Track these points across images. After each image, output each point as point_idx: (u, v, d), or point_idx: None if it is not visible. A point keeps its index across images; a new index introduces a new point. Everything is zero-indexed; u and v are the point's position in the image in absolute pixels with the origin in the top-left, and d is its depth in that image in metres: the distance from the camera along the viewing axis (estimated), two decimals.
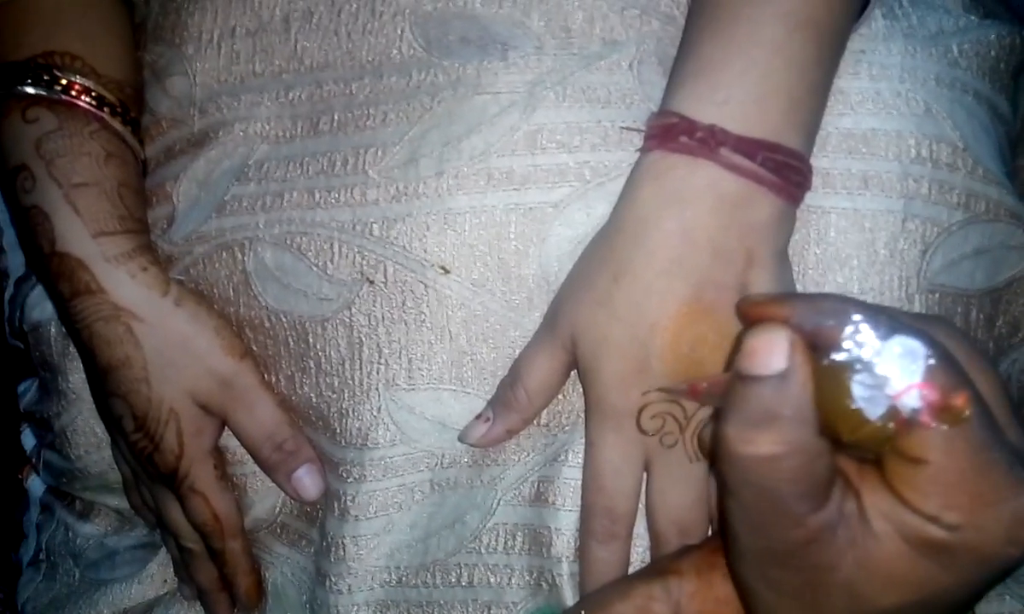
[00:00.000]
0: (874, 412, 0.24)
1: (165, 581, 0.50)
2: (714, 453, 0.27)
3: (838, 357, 0.25)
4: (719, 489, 0.29)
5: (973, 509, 0.25)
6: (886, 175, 0.37)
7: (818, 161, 0.37)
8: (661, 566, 0.34)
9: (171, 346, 0.42)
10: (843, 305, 0.25)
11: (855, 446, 0.25)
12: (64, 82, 0.42)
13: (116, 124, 0.43)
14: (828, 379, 0.25)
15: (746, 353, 0.25)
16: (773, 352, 0.25)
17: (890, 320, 0.25)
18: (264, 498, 0.46)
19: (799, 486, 0.25)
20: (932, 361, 0.24)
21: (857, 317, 0.25)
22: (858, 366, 0.24)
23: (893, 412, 0.24)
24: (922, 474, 0.25)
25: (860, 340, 0.24)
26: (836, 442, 0.25)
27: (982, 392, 0.25)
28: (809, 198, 0.37)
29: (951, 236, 0.38)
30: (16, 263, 0.56)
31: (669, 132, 0.35)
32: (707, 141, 0.34)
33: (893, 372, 0.24)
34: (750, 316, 0.28)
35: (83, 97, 0.42)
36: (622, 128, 0.39)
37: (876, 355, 0.24)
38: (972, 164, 0.38)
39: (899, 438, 0.25)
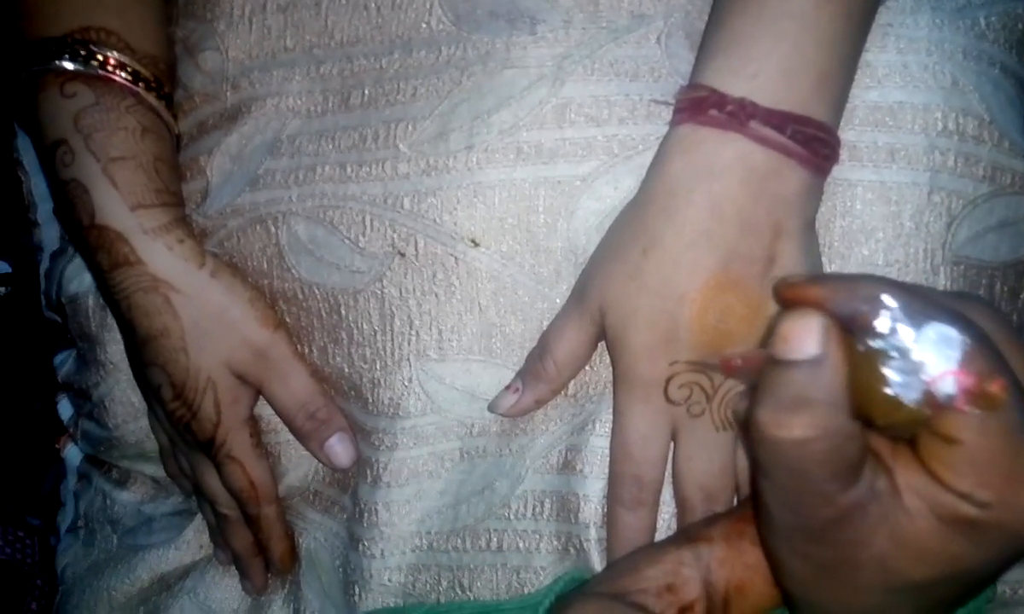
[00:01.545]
0: (909, 397, 0.25)
1: (201, 547, 0.51)
2: (746, 432, 0.28)
3: (873, 343, 0.25)
4: (751, 467, 0.29)
5: (1005, 488, 0.25)
6: (912, 148, 0.38)
7: (845, 134, 0.37)
8: (690, 533, 0.35)
9: (207, 317, 0.43)
10: (879, 288, 0.26)
11: (889, 429, 0.26)
12: (100, 58, 0.43)
13: (151, 99, 0.44)
14: (863, 364, 0.25)
15: (780, 337, 0.26)
16: (807, 337, 0.25)
17: (926, 305, 0.25)
18: (297, 466, 0.47)
19: (830, 467, 0.26)
20: (968, 347, 0.24)
21: (892, 303, 0.25)
22: (893, 352, 0.25)
23: (928, 397, 0.24)
24: (956, 453, 0.25)
25: (896, 325, 0.25)
26: (869, 424, 0.26)
27: (1017, 372, 0.26)
28: (835, 171, 0.37)
29: (976, 208, 0.38)
30: (51, 237, 0.57)
31: (699, 105, 0.35)
32: (737, 114, 0.35)
33: (929, 358, 0.24)
34: (786, 298, 0.28)
35: (119, 72, 0.43)
36: (651, 101, 0.39)
37: (912, 341, 0.24)
38: (998, 137, 0.38)
39: (934, 420, 0.25)
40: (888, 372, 0.25)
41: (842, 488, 0.26)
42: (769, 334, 0.26)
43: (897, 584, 0.27)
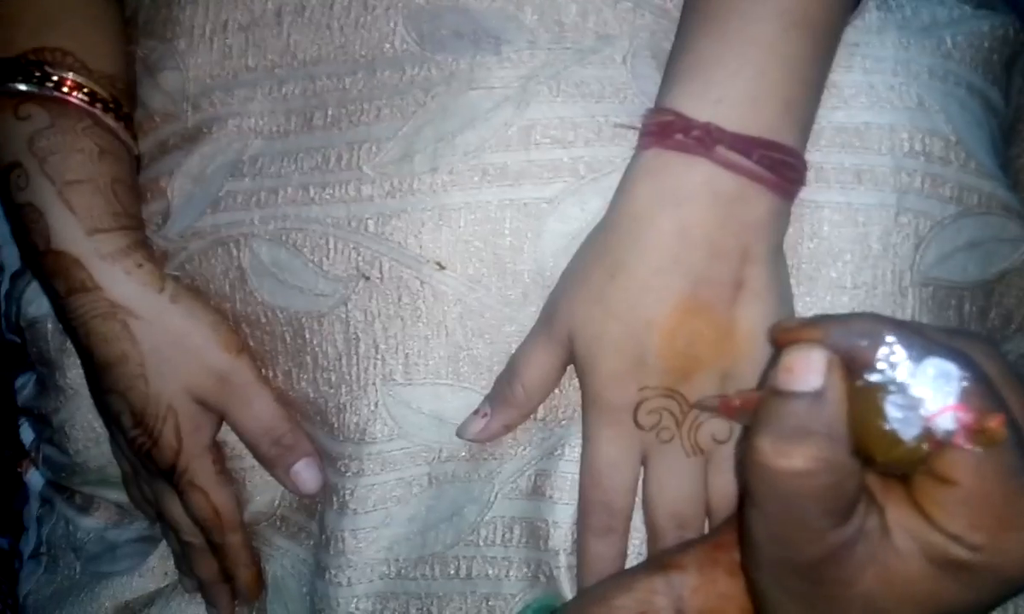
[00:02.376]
0: (908, 433, 0.25)
1: (166, 574, 0.50)
2: (740, 463, 0.28)
3: (872, 378, 0.25)
4: (741, 498, 0.29)
5: (998, 531, 0.25)
6: (879, 169, 0.38)
7: (811, 155, 0.37)
8: (662, 560, 0.35)
9: (168, 343, 0.42)
10: (877, 326, 0.26)
11: (887, 466, 0.26)
12: (56, 78, 0.42)
13: (109, 120, 0.43)
14: (862, 400, 0.25)
15: (783, 369, 0.26)
16: (810, 369, 0.25)
17: (925, 341, 0.25)
18: (263, 492, 0.46)
19: (826, 503, 0.26)
20: (967, 383, 0.24)
21: (891, 338, 0.25)
22: (892, 387, 0.25)
23: (927, 434, 0.24)
24: (950, 494, 0.25)
25: (894, 361, 0.25)
26: (867, 461, 0.26)
27: (1014, 412, 0.26)
28: (802, 192, 0.37)
29: (944, 229, 0.38)
30: (12, 257, 0.56)
31: (665, 130, 0.35)
32: (703, 139, 0.34)
33: (927, 394, 0.24)
34: (781, 343, 0.28)
35: (75, 93, 0.42)
36: (616, 125, 0.38)
37: (910, 377, 0.25)
38: (965, 157, 0.38)
39: (931, 459, 0.25)
40: (887, 408, 0.25)
41: (834, 525, 0.26)
42: (769, 370, 0.27)
43: None
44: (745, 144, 0.34)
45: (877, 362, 0.25)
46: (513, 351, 0.40)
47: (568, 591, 0.39)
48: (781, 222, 0.36)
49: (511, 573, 0.41)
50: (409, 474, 0.42)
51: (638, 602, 0.33)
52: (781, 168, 0.35)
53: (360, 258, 0.40)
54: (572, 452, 0.39)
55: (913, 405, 0.25)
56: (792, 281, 0.38)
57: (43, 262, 0.42)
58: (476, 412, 0.40)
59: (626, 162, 0.37)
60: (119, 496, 0.51)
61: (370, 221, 0.40)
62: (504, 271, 0.40)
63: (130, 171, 0.44)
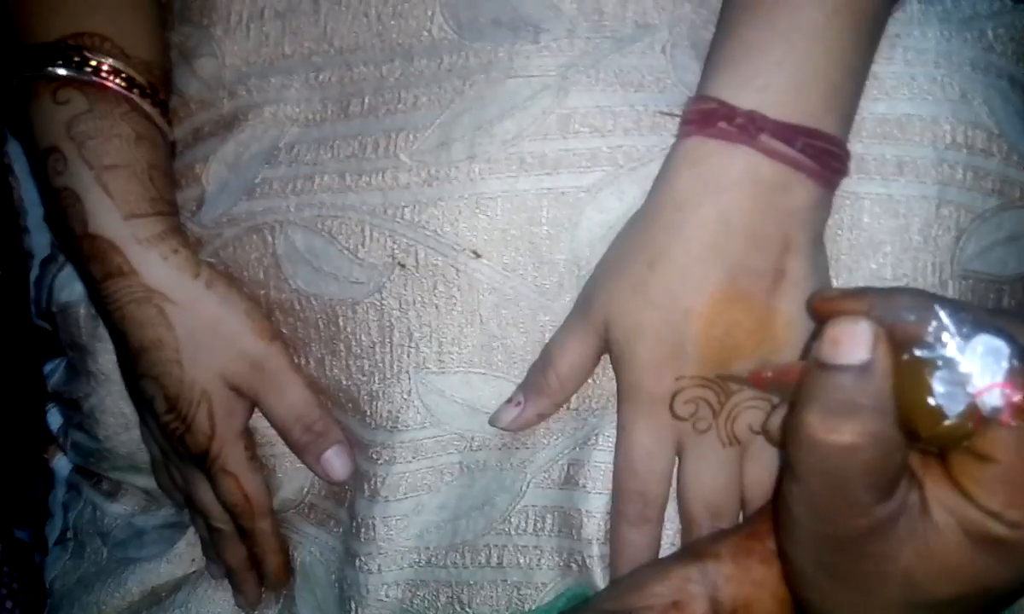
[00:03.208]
0: (953, 409, 0.24)
1: (193, 560, 0.50)
2: (784, 437, 0.28)
3: (920, 352, 0.25)
4: (782, 473, 0.29)
5: None
6: (920, 161, 0.37)
7: (852, 146, 0.37)
8: (697, 549, 0.35)
9: (202, 328, 0.42)
10: (923, 299, 0.26)
11: (930, 441, 0.26)
12: (94, 63, 0.42)
13: (146, 106, 0.43)
14: (908, 374, 0.25)
15: (829, 341, 0.25)
16: (857, 342, 0.25)
17: (973, 317, 0.25)
18: (293, 479, 0.46)
19: (872, 477, 0.25)
20: (1016, 361, 0.24)
21: (941, 313, 0.25)
22: (940, 363, 0.25)
23: (972, 410, 0.24)
24: (989, 471, 0.25)
25: (942, 337, 0.25)
26: (910, 436, 0.26)
27: None
28: (843, 183, 0.37)
29: (985, 222, 0.38)
30: (41, 244, 0.56)
31: (708, 118, 0.35)
32: (747, 127, 0.34)
33: (975, 370, 0.24)
34: (822, 312, 0.28)
35: (113, 78, 0.42)
36: (658, 113, 0.38)
37: (959, 352, 0.24)
38: (1007, 150, 0.38)
39: (978, 432, 0.25)
40: (934, 383, 0.25)
41: (879, 499, 0.26)
42: (807, 347, 0.26)
43: (920, 600, 0.27)
44: (789, 132, 0.34)
45: (926, 337, 0.25)
46: (547, 341, 0.40)
47: (601, 581, 0.39)
48: (822, 212, 0.36)
49: (542, 562, 0.41)
50: (441, 462, 0.42)
51: (673, 590, 0.33)
52: (824, 157, 0.35)
53: (396, 246, 0.40)
54: (606, 442, 0.39)
55: (960, 381, 0.24)
56: (831, 272, 0.37)
57: (80, 246, 0.42)
58: (510, 401, 0.40)
59: (664, 152, 0.37)
60: (147, 482, 0.52)
61: (406, 209, 0.40)
62: (540, 260, 0.40)
63: (166, 157, 0.44)
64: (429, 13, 0.41)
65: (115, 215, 0.41)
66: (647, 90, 0.39)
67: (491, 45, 0.40)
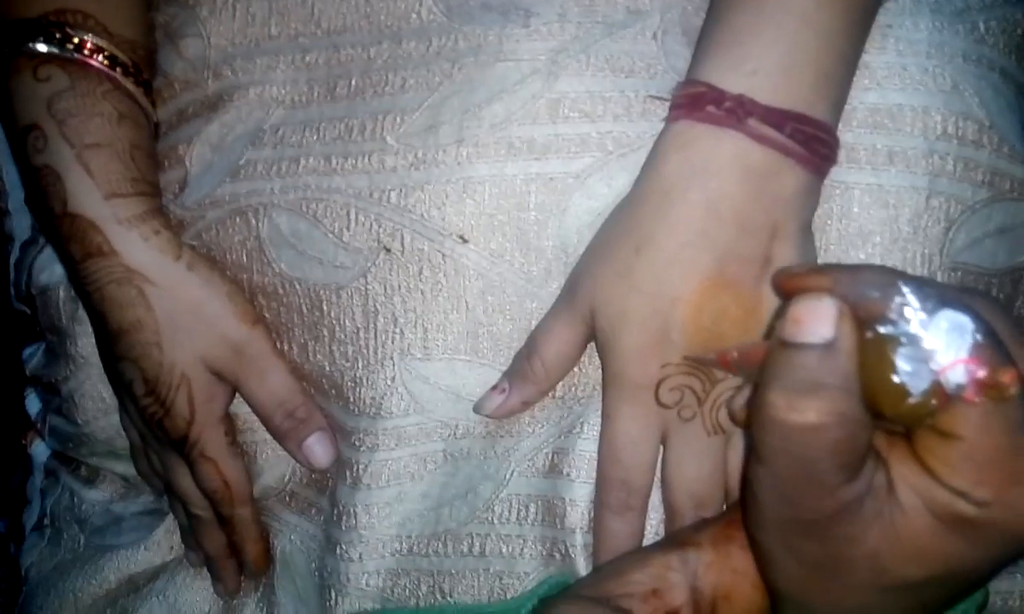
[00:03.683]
0: (917, 386, 0.24)
1: (171, 548, 0.50)
2: (749, 419, 0.27)
3: (883, 329, 0.24)
4: (747, 456, 0.28)
5: (1003, 487, 0.25)
6: (911, 151, 0.37)
7: (843, 135, 0.37)
8: (678, 538, 0.35)
9: (183, 311, 0.41)
10: (887, 276, 0.25)
11: (894, 419, 0.25)
12: (76, 41, 0.41)
13: (128, 84, 0.43)
14: (872, 351, 0.24)
15: (791, 320, 0.25)
16: (820, 320, 0.25)
17: (937, 293, 0.25)
18: (274, 466, 0.46)
19: (838, 457, 0.25)
20: (979, 336, 0.24)
21: (904, 289, 0.24)
22: (903, 339, 0.24)
23: (936, 387, 0.24)
24: (955, 449, 0.25)
25: (906, 313, 0.24)
26: (876, 414, 0.25)
27: (1020, 368, 0.25)
28: (833, 173, 0.36)
29: (975, 214, 0.38)
30: (21, 226, 0.56)
31: (696, 101, 0.35)
32: (735, 111, 0.34)
33: (939, 346, 0.24)
34: (787, 287, 0.27)
35: (96, 56, 0.42)
36: (648, 97, 0.38)
37: (923, 329, 0.24)
38: (998, 142, 0.38)
39: (938, 413, 0.24)
40: (897, 360, 0.24)
41: (845, 480, 0.26)
42: (772, 326, 0.26)
43: (889, 583, 0.27)
44: (778, 117, 0.34)
45: (889, 313, 0.24)
46: (533, 328, 0.40)
47: (584, 570, 0.39)
48: (811, 199, 0.36)
49: (525, 551, 0.40)
50: (424, 450, 0.41)
51: (652, 578, 0.32)
52: (813, 143, 0.34)
53: (381, 230, 0.40)
54: (591, 430, 0.39)
55: (924, 358, 0.24)
56: (820, 261, 0.37)
57: (59, 226, 0.41)
58: (494, 388, 0.40)
59: (654, 138, 0.37)
60: (126, 469, 0.51)
61: (393, 192, 0.40)
62: (527, 246, 0.39)
63: (148, 138, 0.44)
64: None
65: (96, 194, 0.40)
66: (638, 76, 0.39)
67: (481, 28, 0.40)
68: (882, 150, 0.37)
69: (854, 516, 0.26)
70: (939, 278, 0.38)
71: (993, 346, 0.24)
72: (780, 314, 0.26)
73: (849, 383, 0.25)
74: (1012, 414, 0.24)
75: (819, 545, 0.27)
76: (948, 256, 0.38)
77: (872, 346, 0.25)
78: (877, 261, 0.37)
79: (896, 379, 0.24)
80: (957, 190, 0.37)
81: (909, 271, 0.37)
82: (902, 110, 0.37)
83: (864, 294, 0.25)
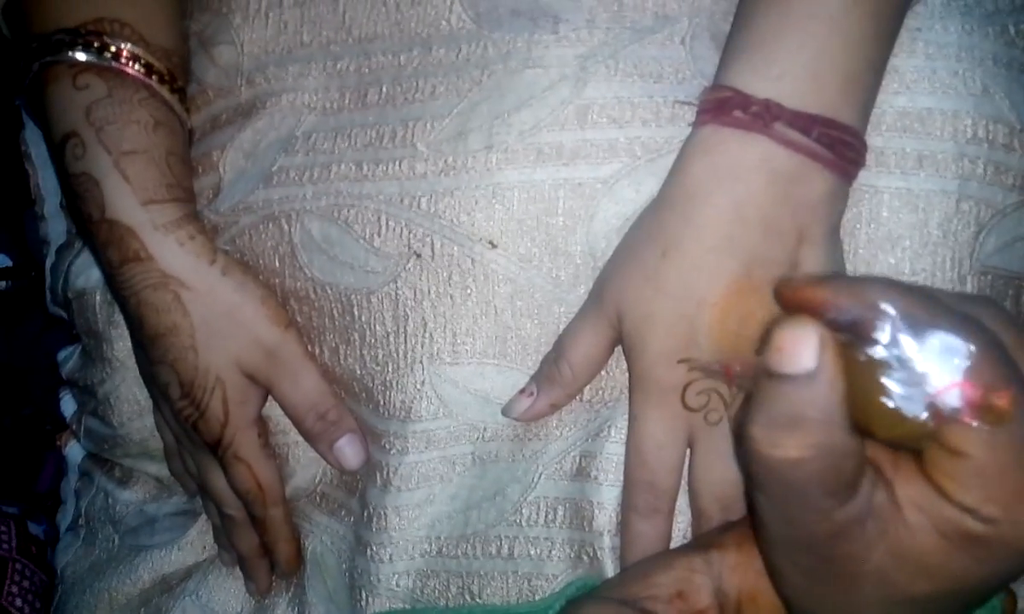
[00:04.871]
0: (911, 410, 0.24)
1: (204, 547, 0.50)
2: (739, 445, 0.27)
3: (874, 353, 0.24)
4: (745, 478, 0.28)
5: (1012, 504, 0.24)
6: (941, 155, 0.37)
7: (872, 139, 0.37)
8: (703, 540, 0.35)
9: (218, 315, 0.42)
10: (882, 293, 0.24)
11: (891, 443, 0.25)
12: (114, 49, 0.42)
13: (164, 92, 0.43)
14: (863, 375, 0.24)
15: (774, 348, 0.24)
16: (802, 349, 0.24)
17: (930, 311, 0.24)
18: (305, 468, 0.47)
19: (825, 485, 0.25)
20: (973, 357, 0.23)
21: (891, 311, 0.24)
22: (894, 363, 0.24)
23: (932, 410, 0.23)
24: (962, 466, 0.24)
25: (897, 335, 0.24)
26: (870, 436, 0.25)
27: None
28: (862, 177, 0.37)
29: (1005, 218, 0.38)
30: (57, 231, 0.57)
31: (723, 106, 0.35)
32: (762, 115, 0.34)
33: (932, 369, 0.23)
34: (786, 301, 0.27)
35: (132, 64, 0.43)
36: (675, 103, 0.38)
37: (914, 352, 0.23)
38: None
39: (939, 433, 0.24)
40: (889, 383, 0.24)
41: (838, 504, 0.25)
42: (764, 341, 0.25)
43: (897, 598, 0.27)
44: (805, 121, 0.34)
45: (880, 335, 0.24)
46: (560, 332, 0.40)
47: (611, 571, 0.39)
48: (839, 203, 0.36)
49: (553, 553, 0.40)
50: (453, 453, 0.42)
51: (677, 580, 0.33)
52: (840, 147, 0.34)
53: (412, 235, 0.41)
54: (618, 434, 0.39)
55: (917, 381, 0.23)
56: (849, 266, 0.37)
57: (96, 231, 0.42)
58: (522, 391, 0.40)
59: (682, 143, 0.37)
60: (159, 470, 0.52)
61: (423, 198, 0.40)
62: (556, 251, 0.40)
63: (183, 144, 0.44)
64: (448, 3, 0.41)
65: (133, 200, 0.41)
66: (666, 81, 0.39)
67: (510, 35, 0.40)
68: (911, 154, 0.37)
69: (855, 535, 0.26)
70: (969, 282, 0.38)
71: (990, 365, 0.24)
72: (766, 337, 0.25)
73: (831, 415, 0.24)
74: (1019, 430, 0.24)
75: (823, 563, 0.27)
76: (978, 260, 0.38)
77: (864, 369, 0.24)
78: (906, 265, 0.37)
79: (889, 403, 0.24)
80: (987, 194, 0.37)
81: (939, 275, 0.37)
82: (932, 114, 0.37)
83: (854, 315, 0.25)
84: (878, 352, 0.24)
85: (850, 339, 0.25)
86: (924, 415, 0.24)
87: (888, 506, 0.26)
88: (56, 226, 0.56)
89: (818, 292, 0.26)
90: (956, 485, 0.25)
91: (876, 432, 0.25)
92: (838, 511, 0.25)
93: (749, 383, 0.27)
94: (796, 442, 0.24)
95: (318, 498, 0.47)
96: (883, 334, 0.24)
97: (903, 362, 0.24)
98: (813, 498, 0.25)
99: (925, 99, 0.37)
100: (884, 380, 0.24)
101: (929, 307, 0.25)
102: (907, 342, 0.24)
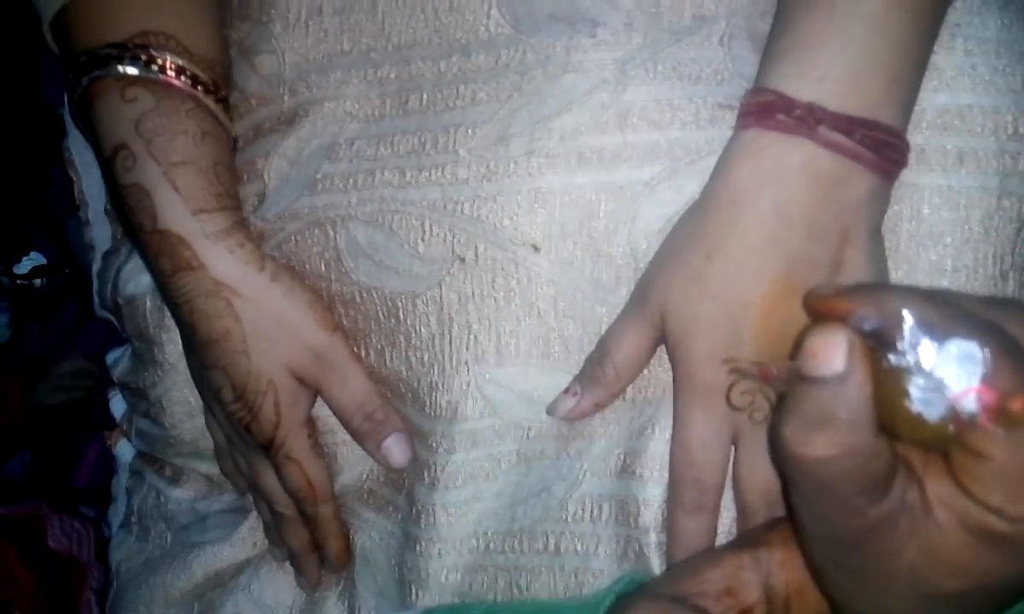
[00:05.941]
0: (932, 414, 0.25)
1: (255, 544, 0.52)
2: (774, 446, 0.28)
3: (896, 360, 0.25)
4: (781, 479, 0.29)
5: None
6: (982, 152, 0.37)
7: (912, 137, 0.37)
8: (750, 537, 0.35)
9: (268, 320, 0.43)
10: (904, 301, 0.26)
11: (916, 444, 0.26)
12: (160, 62, 0.43)
13: (209, 102, 0.44)
14: (887, 381, 0.25)
15: (807, 353, 0.26)
16: (833, 354, 0.25)
17: (949, 319, 0.25)
18: (352, 466, 0.48)
19: (856, 483, 0.26)
20: (990, 363, 0.24)
21: (910, 319, 0.25)
22: (915, 369, 0.25)
23: (952, 414, 0.25)
24: (986, 468, 0.25)
25: (917, 342, 0.25)
26: (897, 438, 0.26)
27: None
28: (903, 175, 0.37)
29: None
30: (102, 236, 0.58)
31: (766, 110, 0.35)
32: (805, 119, 0.34)
33: (950, 375, 0.24)
34: (815, 310, 0.28)
35: (178, 76, 0.43)
36: (715, 106, 0.39)
37: (933, 359, 0.25)
38: None
39: (960, 436, 0.25)
40: (911, 390, 0.25)
41: (871, 501, 0.26)
42: (798, 347, 0.26)
43: (929, 594, 0.27)
44: (847, 124, 0.34)
45: (902, 342, 0.25)
46: (603, 333, 0.40)
47: (658, 568, 0.40)
48: (881, 203, 0.36)
49: (599, 549, 0.41)
50: (498, 451, 0.43)
51: (726, 577, 0.33)
52: (883, 148, 0.35)
53: (455, 240, 0.41)
54: (662, 432, 0.40)
55: (937, 387, 0.25)
56: (891, 264, 0.38)
57: (149, 241, 0.43)
58: (567, 391, 0.41)
59: (723, 145, 0.37)
60: (209, 468, 0.53)
61: (466, 204, 0.41)
62: (598, 254, 0.40)
63: (229, 153, 0.45)
64: (486, 9, 0.42)
65: (183, 210, 0.42)
66: (705, 83, 0.39)
67: (548, 40, 0.41)
68: (952, 151, 0.37)
69: (888, 533, 0.27)
70: (1011, 278, 0.38)
71: (1008, 371, 0.24)
72: (799, 343, 0.26)
73: (859, 415, 0.25)
74: None
75: (859, 560, 0.28)
76: (1020, 256, 0.38)
77: (888, 376, 0.25)
78: (948, 262, 0.38)
79: (911, 408, 0.25)
80: None
81: (980, 272, 0.38)
82: (972, 110, 0.37)
83: (879, 322, 0.26)
84: (900, 359, 0.25)
85: (875, 346, 0.26)
86: (944, 419, 0.25)
87: (919, 505, 0.27)
88: (101, 231, 0.58)
89: (843, 302, 0.27)
90: (980, 486, 0.25)
91: (901, 435, 0.26)
92: (871, 509, 0.26)
93: (784, 385, 0.28)
94: (825, 441, 0.25)
95: (366, 495, 0.48)
96: (903, 342, 0.25)
97: (923, 368, 0.25)
98: (845, 496, 0.26)
99: (965, 96, 0.37)
100: (906, 386, 0.25)
101: (949, 314, 0.25)
102: (926, 349, 0.25)
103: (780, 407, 0.27)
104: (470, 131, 0.41)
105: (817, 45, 0.35)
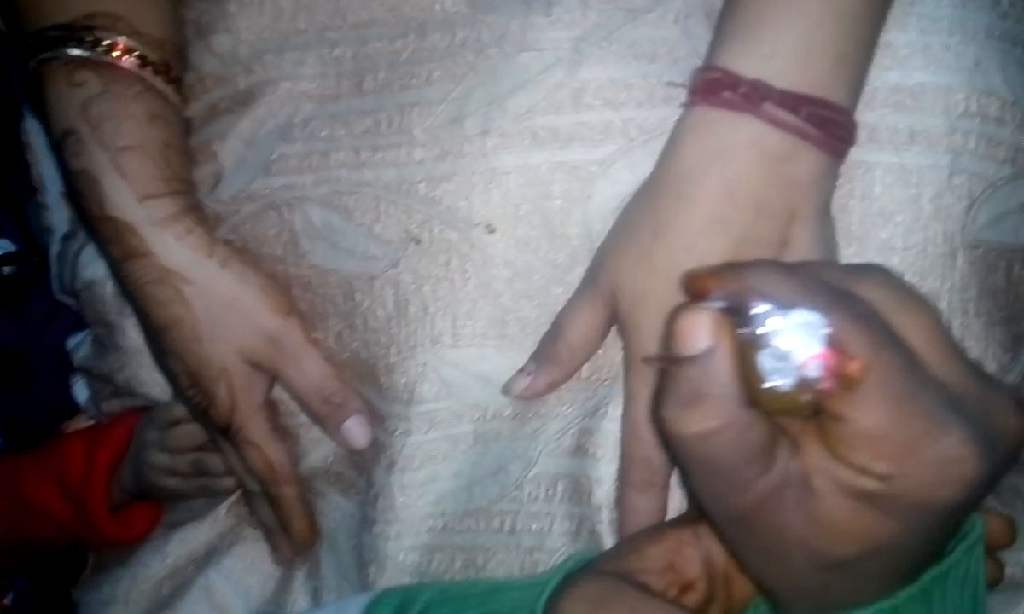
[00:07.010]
0: (785, 385, 0.25)
1: (231, 523, 0.51)
2: (659, 430, 0.28)
3: (748, 332, 0.26)
4: (675, 460, 0.30)
5: (900, 458, 0.25)
6: (933, 130, 0.37)
7: (864, 116, 0.37)
8: (692, 514, 0.36)
9: (219, 306, 0.43)
10: (758, 276, 0.26)
11: (779, 414, 0.26)
12: (108, 43, 0.42)
13: (159, 83, 0.44)
14: (744, 354, 0.26)
15: (674, 334, 0.26)
16: (697, 331, 0.26)
17: (798, 290, 0.26)
18: (317, 447, 0.47)
19: (736, 457, 0.26)
20: (830, 329, 0.25)
21: (762, 293, 0.26)
22: (766, 342, 0.25)
23: (804, 382, 0.25)
24: (847, 429, 0.26)
25: (766, 314, 0.25)
26: (763, 410, 0.26)
27: (912, 337, 0.26)
28: (854, 153, 0.37)
29: (997, 191, 0.38)
30: (60, 219, 0.57)
31: (712, 87, 0.35)
32: (750, 96, 0.34)
33: (795, 344, 0.25)
34: (687, 290, 0.29)
35: (126, 57, 0.43)
36: (668, 84, 0.38)
37: (778, 329, 0.25)
38: (1021, 118, 0.38)
39: (817, 403, 0.26)
40: (763, 361, 0.25)
41: (756, 475, 0.27)
42: (665, 336, 0.27)
43: (826, 562, 0.28)
44: (793, 101, 0.34)
45: (754, 316, 0.26)
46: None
47: (610, 545, 0.40)
48: (829, 182, 0.36)
49: (554, 528, 0.41)
50: (455, 432, 0.43)
51: (667, 553, 0.34)
52: (830, 126, 0.35)
53: (410, 221, 0.41)
54: (615, 411, 0.40)
55: (783, 357, 0.25)
56: (842, 242, 0.38)
57: (98, 227, 0.43)
58: (521, 370, 0.41)
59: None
60: None
61: (421, 184, 0.41)
62: (553, 234, 0.40)
63: (180, 135, 0.45)
64: None
65: (130, 197, 0.42)
66: (660, 61, 0.39)
67: (504, 18, 0.40)
68: (904, 130, 0.37)
69: (777, 506, 0.27)
70: (960, 256, 0.38)
71: (844, 336, 0.25)
72: (668, 324, 0.27)
73: (727, 389, 0.26)
74: (892, 387, 0.25)
75: (755, 536, 0.28)
76: (969, 233, 0.38)
77: (745, 349, 0.26)
78: (899, 240, 0.38)
79: (765, 380, 0.25)
80: (979, 167, 0.37)
81: (930, 249, 0.38)
82: (924, 89, 0.37)
83: (733, 299, 0.26)
84: (752, 333, 0.26)
85: (739, 323, 0.26)
86: (796, 388, 0.25)
87: (800, 473, 0.27)
88: (59, 215, 0.57)
89: (707, 281, 0.28)
90: (846, 448, 0.26)
91: (765, 407, 0.26)
92: (757, 482, 0.27)
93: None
94: (698, 417, 0.26)
95: (331, 477, 0.48)
96: (757, 316, 0.26)
97: (770, 340, 0.25)
98: (729, 471, 0.27)
99: (918, 74, 0.37)
100: (759, 358, 0.25)
101: (798, 285, 0.26)
102: (774, 320, 0.25)
103: (659, 390, 0.27)
104: (425, 111, 0.41)
105: (766, 23, 0.35)
